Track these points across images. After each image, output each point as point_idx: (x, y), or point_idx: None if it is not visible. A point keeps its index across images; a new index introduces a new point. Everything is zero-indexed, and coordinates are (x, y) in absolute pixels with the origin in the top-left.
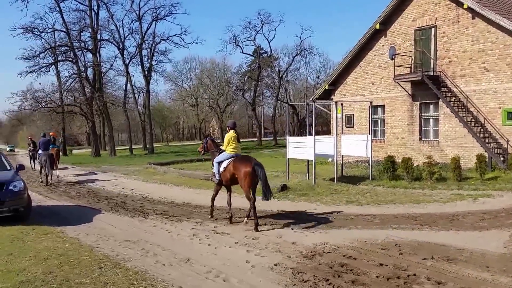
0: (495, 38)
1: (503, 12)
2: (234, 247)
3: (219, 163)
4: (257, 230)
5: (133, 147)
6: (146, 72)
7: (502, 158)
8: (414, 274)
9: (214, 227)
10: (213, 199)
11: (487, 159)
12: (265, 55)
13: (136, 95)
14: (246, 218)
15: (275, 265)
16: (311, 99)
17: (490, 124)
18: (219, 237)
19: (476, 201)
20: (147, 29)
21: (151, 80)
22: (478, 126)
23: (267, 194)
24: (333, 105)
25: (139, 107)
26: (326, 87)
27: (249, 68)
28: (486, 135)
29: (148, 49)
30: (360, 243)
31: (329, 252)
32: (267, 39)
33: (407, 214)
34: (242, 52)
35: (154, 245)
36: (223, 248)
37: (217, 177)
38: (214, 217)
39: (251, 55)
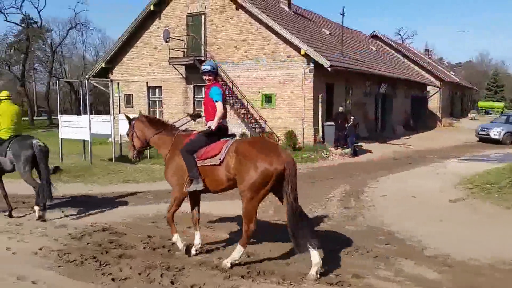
0: (255, 29)
1: (260, 7)
2: None
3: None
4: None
5: None
6: None
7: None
8: None
9: None
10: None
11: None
12: (35, 25)
13: None
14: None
15: (40, 249)
16: (86, 76)
17: (252, 107)
18: None
19: None
20: None
21: None
22: (242, 108)
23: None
24: (110, 84)
25: None
26: (103, 65)
27: (16, 39)
28: (249, 116)
29: None
30: (132, 219)
31: (99, 231)
32: (37, 8)
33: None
34: (7, 20)
35: None
36: None
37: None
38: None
39: (18, 25)
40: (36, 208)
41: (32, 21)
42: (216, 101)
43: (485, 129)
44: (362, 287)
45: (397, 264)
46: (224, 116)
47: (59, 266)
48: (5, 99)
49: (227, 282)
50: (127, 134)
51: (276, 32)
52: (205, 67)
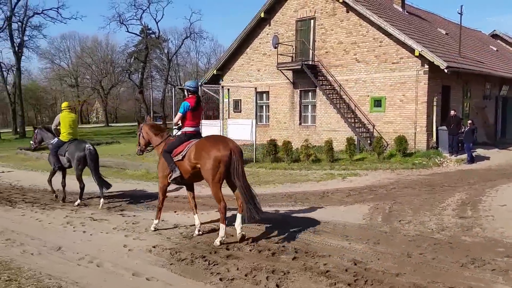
0: (366, 31)
1: (373, 8)
2: (111, 232)
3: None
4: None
5: (1, 131)
6: (16, 48)
7: (369, 141)
8: (283, 246)
9: (91, 214)
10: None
11: (355, 142)
12: (153, 35)
13: (5, 73)
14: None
15: (154, 247)
16: (199, 83)
17: (360, 111)
18: (96, 224)
19: (345, 179)
20: (18, 0)
21: (23, 57)
22: (350, 112)
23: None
24: (221, 90)
25: (8, 87)
26: (215, 71)
27: (136, 49)
28: (356, 120)
29: (19, 23)
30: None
31: (209, 232)
32: (155, 19)
33: (283, 193)
34: (128, 31)
35: (21, 235)
36: (100, 234)
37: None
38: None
39: (138, 35)
40: (101, 200)
41: (150, 31)
42: (178, 112)
43: None
44: None
45: None
46: (194, 124)
47: (171, 264)
48: (65, 108)
49: None
50: (137, 134)
51: (389, 33)
52: (190, 85)
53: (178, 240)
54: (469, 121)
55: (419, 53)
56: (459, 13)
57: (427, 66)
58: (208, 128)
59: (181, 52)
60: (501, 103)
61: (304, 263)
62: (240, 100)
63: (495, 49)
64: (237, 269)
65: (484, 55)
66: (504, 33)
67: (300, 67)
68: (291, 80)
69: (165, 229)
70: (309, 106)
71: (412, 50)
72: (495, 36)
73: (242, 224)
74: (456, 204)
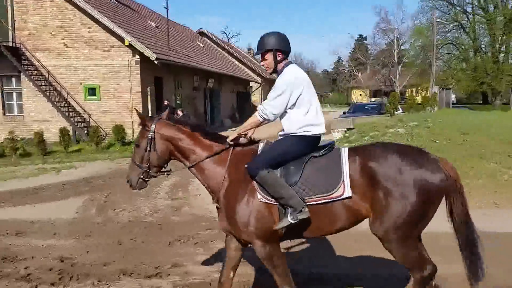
0: (73, 15)
1: None
2: None
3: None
4: None
5: None
6: None
7: (86, 131)
8: None
9: None
10: None
11: (70, 133)
12: None
13: None
14: None
15: None
16: None
17: (73, 99)
18: None
19: (60, 173)
20: None
21: None
22: (62, 101)
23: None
24: None
25: None
26: None
27: None
28: (70, 109)
29: None
30: None
31: None
32: None
33: None
34: None
35: None
36: None
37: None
38: None
39: None
40: None
41: None
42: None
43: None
44: (180, 275)
45: (214, 248)
46: None
47: None
48: None
49: None
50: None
51: (97, 20)
52: None
53: None
54: (180, 111)
55: (129, 43)
56: (165, 7)
57: (138, 57)
58: None
59: None
60: (209, 94)
61: (0, 270)
62: None
63: (201, 45)
64: None
65: (192, 50)
66: (209, 32)
67: None
68: None
69: None
70: (14, 93)
71: (122, 40)
72: (201, 33)
73: None
74: (169, 187)
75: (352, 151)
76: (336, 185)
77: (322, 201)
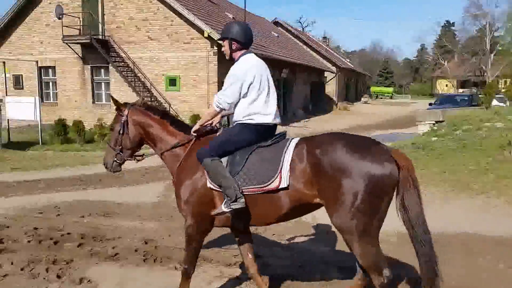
0: (156, 9)
1: None
2: None
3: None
4: None
5: None
6: None
7: None
8: (69, 233)
9: None
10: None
11: None
12: None
13: None
14: None
15: None
16: None
17: (156, 90)
18: None
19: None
20: None
21: None
22: (146, 91)
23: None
24: None
25: None
26: None
27: None
28: (153, 99)
29: None
30: (17, 210)
31: None
32: None
33: (74, 176)
34: None
35: None
36: None
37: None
38: None
39: None
40: None
41: None
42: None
43: None
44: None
45: (292, 241)
46: None
47: None
48: None
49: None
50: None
51: (179, 12)
52: None
53: None
54: None
55: (208, 35)
56: None
57: (216, 48)
58: None
59: None
60: (282, 84)
61: (91, 248)
62: (22, 75)
63: (276, 35)
64: (12, 263)
65: (267, 40)
66: (284, 21)
67: (89, 41)
68: (80, 55)
69: None
70: (103, 83)
71: (202, 31)
72: (276, 23)
73: None
74: None
75: (302, 140)
76: (273, 176)
77: (260, 192)
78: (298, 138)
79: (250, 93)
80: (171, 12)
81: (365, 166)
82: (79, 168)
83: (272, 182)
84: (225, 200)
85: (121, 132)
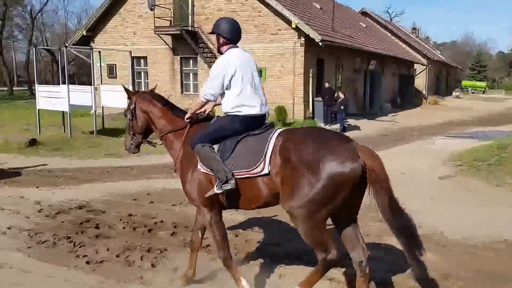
0: (245, 0)
1: None
2: None
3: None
4: None
5: None
6: None
7: None
8: (162, 221)
9: None
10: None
11: None
12: None
13: None
14: None
15: (8, 228)
16: (66, 44)
17: None
18: None
19: None
20: None
21: None
22: None
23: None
24: (91, 52)
25: None
26: (84, 32)
27: None
28: None
29: None
30: (112, 196)
31: (76, 208)
32: None
33: (164, 164)
34: None
35: None
36: None
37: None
38: None
39: None
40: None
41: None
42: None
43: None
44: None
45: (386, 241)
46: None
47: (29, 247)
48: None
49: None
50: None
51: (267, 3)
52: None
53: (39, 220)
54: (341, 93)
55: (296, 26)
56: None
57: (303, 39)
58: (78, 94)
59: (47, 11)
60: (369, 77)
61: (183, 238)
62: (115, 65)
63: (364, 25)
64: (108, 249)
65: (354, 31)
66: (372, 12)
67: (179, 32)
68: (171, 46)
69: (25, 206)
70: (191, 74)
71: (289, 22)
72: (364, 13)
73: None
74: None
75: (284, 132)
76: (257, 162)
77: (246, 176)
78: (280, 129)
79: (235, 86)
80: (259, 3)
81: (327, 164)
82: (169, 156)
83: (257, 167)
84: (217, 182)
85: (130, 118)
